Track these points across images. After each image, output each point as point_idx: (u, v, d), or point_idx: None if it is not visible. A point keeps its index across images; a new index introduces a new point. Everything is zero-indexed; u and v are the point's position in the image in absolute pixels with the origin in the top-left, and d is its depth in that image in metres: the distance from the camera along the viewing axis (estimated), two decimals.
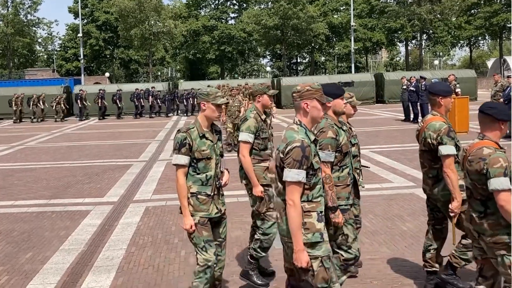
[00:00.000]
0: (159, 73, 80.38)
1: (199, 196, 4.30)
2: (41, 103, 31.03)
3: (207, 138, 4.32)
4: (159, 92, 32.20)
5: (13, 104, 30.76)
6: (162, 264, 5.97)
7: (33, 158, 15.38)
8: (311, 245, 3.42)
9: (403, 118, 22.22)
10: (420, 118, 20.71)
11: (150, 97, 31.49)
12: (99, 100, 30.90)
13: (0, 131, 25.41)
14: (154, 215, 8.19)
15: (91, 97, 31.51)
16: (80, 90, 31.69)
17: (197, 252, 4.33)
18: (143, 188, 10.33)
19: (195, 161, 4.28)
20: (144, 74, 73.24)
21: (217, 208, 4.37)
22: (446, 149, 4.47)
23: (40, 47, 70.09)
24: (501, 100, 15.64)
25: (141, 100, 31.39)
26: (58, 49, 73.19)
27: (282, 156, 3.47)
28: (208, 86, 5.03)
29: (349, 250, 4.38)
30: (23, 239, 7.20)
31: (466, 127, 16.35)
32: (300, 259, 3.37)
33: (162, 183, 10.71)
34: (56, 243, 6.92)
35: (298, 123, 3.57)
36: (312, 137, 3.55)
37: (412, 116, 21.54)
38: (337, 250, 4.33)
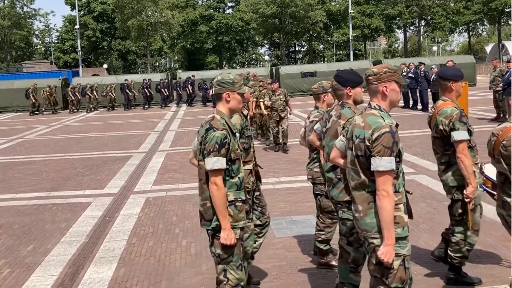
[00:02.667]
0: (157, 64, 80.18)
1: (237, 204, 3.70)
2: (91, 93, 31.18)
3: (235, 135, 3.80)
4: (201, 81, 31.99)
5: (70, 95, 30.79)
6: (163, 255, 5.98)
7: (33, 151, 15.37)
8: (398, 240, 3.22)
9: (402, 104, 22.20)
10: (419, 104, 20.70)
11: (190, 86, 31.25)
12: (144, 90, 31.09)
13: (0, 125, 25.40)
14: (155, 206, 8.20)
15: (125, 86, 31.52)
16: (125, 80, 31.77)
17: (228, 271, 3.71)
18: (143, 179, 10.34)
19: (229, 163, 3.64)
20: (142, 65, 73.09)
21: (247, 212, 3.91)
22: (459, 135, 4.41)
23: (37, 39, 69.99)
24: (501, 85, 15.61)
25: (182, 89, 31.61)
26: (56, 41, 72.99)
27: (368, 144, 3.21)
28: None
29: (360, 248, 4.15)
30: (24, 232, 7.21)
31: (465, 113, 16.34)
32: (390, 253, 3.17)
33: (162, 174, 10.72)
34: (57, 235, 6.93)
35: (378, 107, 3.33)
36: (394, 122, 3.28)
37: (411, 102, 21.50)
38: (346, 248, 4.21)
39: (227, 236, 3.60)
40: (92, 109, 31.05)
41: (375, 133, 3.18)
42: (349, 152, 3.44)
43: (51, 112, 30.68)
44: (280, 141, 12.66)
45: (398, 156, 3.22)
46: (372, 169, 3.19)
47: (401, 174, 3.30)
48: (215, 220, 3.64)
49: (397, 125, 3.27)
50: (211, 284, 5.03)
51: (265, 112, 13.00)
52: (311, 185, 5.34)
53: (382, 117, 3.24)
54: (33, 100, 30.31)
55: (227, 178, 3.65)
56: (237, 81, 3.76)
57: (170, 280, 5.25)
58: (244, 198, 3.76)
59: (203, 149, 3.63)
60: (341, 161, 3.72)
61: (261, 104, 12.96)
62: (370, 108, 3.35)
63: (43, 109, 30.69)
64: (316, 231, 5.26)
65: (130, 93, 31.05)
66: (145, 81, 31.45)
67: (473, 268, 4.91)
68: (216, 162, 3.54)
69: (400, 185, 3.27)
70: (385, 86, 3.32)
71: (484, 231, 5.82)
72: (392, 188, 3.18)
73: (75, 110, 30.90)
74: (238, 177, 3.71)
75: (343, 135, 3.69)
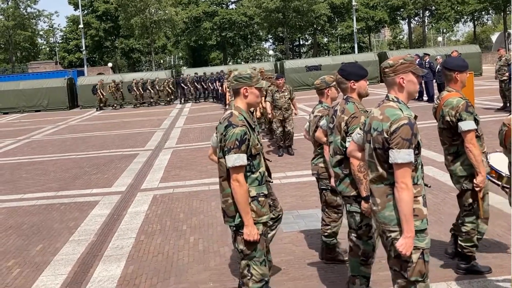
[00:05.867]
0: (161, 61, 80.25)
1: (259, 199, 3.68)
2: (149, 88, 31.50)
3: (254, 130, 3.74)
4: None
5: (134, 89, 31.16)
6: (171, 251, 6.00)
7: (40, 151, 15.45)
8: (417, 233, 3.20)
9: None
10: (425, 96, 20.60)
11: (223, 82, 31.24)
12: (195, 84, 31.48)
13: (6, 125, 25.51)
14: (162, 203, 8.23)
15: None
16: (181, 74, 32.52)
17: (251, 266, 3.71)
18: (150, 176, 10.37)
19: (250, 158, 3.62)
20: (147, 63, 73.17)
21: (269, 205, 3.89)
22: (467, 125, 4.41)
23: (41, 39, 70.16)
24: (507, 74, 15.50)
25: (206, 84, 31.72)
26: (60, 41, 73.18)
27: (386, 136, 3.17)
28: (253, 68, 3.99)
29: (369, 241, 4.21)
30: (33, 231, 7.26)
31: (471, 103, 16.24)
32: (408, 246, 3.15)
33: (168, 171, 10.75)
34: (66, 235, 6.97)
35: (396, 99, 3.28)
36: (413, 114, 3.23)
37: (417, 94, 21.38)
38: (355, 241, 4.20)
39: (250, 233, 3.59)
40: (153, 103, 31.48)
41: (393, 125, 3.15)
42: (367, 145, 3.42)
43: (115, 107, 31.26)
44: (284, 143, 11.65)
45: (417, 148, 3.19)
46: (390, 162, 3.16)
47: (420, 166, 3.28)
48: (238, 216, 3.64)
49: (415, 117, 3.24)
50: (219, 280, 5.07)
51: (269, 112, 11.68)
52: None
53: (401, 109, 3.22)
54: (101, 96, 30.81)
55: (248, 173, 3.63)
56: (254, 76, 3.73)
57: (178, 276, 5.28)
58: (266, 192, 3.74)
59: (223, 147, 3.62)
60: (358, 154, 3.70)
61: (267, 104, 11.58)
62: (388, 100, 3.32)
63: (114, 104, 31.26)
64: (322, 226, 5.27)
65: (186, 87, 31.54)
66: (195, 75, 31.97)
67: (480, 258, 4.89)
68: (237, 159, 3.53)
69: (418, 177, 3.25)
70: (402, 78, 3.29)
71: (492, 221, 5.79)
72: (411, 180, 3.15)
73: (138, 105, 31.31)
74: (259, 172, 3.69)
75: (360, 128, 3.67)
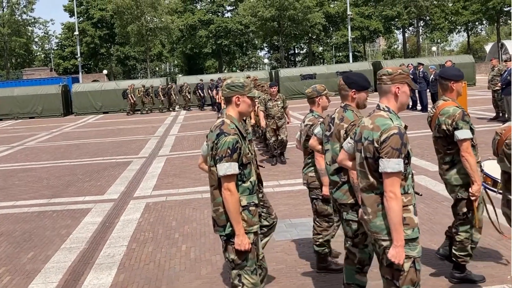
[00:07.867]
0: (157, 69, 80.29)
1: (250, 208, 3.63)
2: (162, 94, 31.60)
3: (245, 139, 3.73)
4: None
5: (160, 95, 31.15)
6: (163, 260, 5.98)
7: (33, 158, 15.39)
8: (408, 242, 3.22)
9: None
10: (419, 105, 20.70)
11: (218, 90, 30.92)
12: (198, 91, 31.29)
13: (0, 132, 25.41)
14: (155, 211, 8.20)
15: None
16: (200, 80, 32.03)
17: (243, 276, 3.66)
18: (143, 184, 10.35)
19: (241, 167, 3.58)
20: (142, 70, 73.22)
21: (264, 213, 3.84)
22: (463, 134, 4.45)
23: (37, 46, 70.13)
24: (499, 84, 15.59)
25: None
26: (55, 47, 73.19)
27: (376, 145, 3.21)
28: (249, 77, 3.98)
29: (365, 249, 4.15)
30: (25, 239, 7.22)
31: (467, 112, 16.29)
32: (400, 255, 3.16)
33: (162, 179, 10.73)
34: (57, 242, 6.94)
35: (386, 109, 3.32)
36: (403, 124, 3.26)
37: (410, 103, 21.50)
38: (351, 249, 4.17)
39: (241, 242, 3.56)
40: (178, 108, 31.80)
41: (384, 134, 3.18)
42: (357, 154, 3.43)
43: (147, 111, 31.30)
44: (278, 151, 11.58)
45: (407, 158, 3.22)
46: (380, 171, 3.19)
47: (410, 175, 3.30)
48: (229, 226, 3.60)
49: (406, 127, 3.27)
50: None
51: (263, 123, 11.55)
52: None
53: (391, 119, 3.25)
54: (131, 101, 30.95)
55: (239, 182, 3.60)
56: (247, 85, 3.70)
57: (169, 284, 5.26)
58: (257, 202, 3.71)
59: (215, 155, 3.58)
60: (348, 163, 3.72)
61: (260, 113, 11.44)
62: (378, 110, 3.35)
63: (147, 109, 31.27)
64: (313, 235, 5.26)
65: (204, 94, 31.29)
66: (212, 81, 31.68)
67: (472, 268, 4.90)
68: (229, 168, 3.49)
69: (409, 186, 3.26)
70: (398, 87, 3.34)
71: (483, 230, 5.81)
72: (400, 189, 3.17)
73: (164, 110, 31.44)
74: (250, 181, 3.66)
75: (350, 137, 3.68)
